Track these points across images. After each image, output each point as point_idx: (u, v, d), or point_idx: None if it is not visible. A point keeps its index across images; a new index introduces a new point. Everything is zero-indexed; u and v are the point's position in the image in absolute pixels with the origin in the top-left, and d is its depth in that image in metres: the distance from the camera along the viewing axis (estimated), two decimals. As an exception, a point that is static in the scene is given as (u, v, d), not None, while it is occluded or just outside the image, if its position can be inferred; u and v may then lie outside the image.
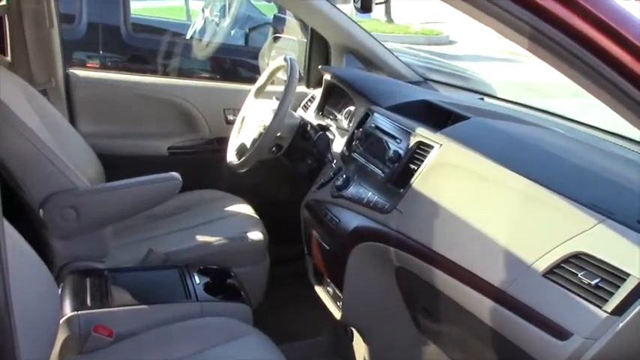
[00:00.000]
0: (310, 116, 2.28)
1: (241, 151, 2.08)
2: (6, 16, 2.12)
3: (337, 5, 2.41)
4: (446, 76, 2.97)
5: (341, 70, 2.42)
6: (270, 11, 4.26)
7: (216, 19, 4.13)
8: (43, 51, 2.20)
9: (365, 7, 1.68)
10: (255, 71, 3.06)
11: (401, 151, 1.70)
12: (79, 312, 1.51)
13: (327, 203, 1.87)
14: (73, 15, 3.64)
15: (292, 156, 2.07)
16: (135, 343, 1.46)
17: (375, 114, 1.91)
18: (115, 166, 2.19)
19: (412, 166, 1.63)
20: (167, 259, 1.87)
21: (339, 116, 2.19)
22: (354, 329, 1.86)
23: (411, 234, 1.51)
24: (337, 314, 1.84)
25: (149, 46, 3.92)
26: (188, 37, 4.11)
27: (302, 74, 2.56)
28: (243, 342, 1.49)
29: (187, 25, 4.48)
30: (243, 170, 2.05)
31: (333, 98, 2.26)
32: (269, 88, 2.25)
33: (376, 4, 1.67)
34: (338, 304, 1.84)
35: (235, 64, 3.97)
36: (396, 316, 1.72)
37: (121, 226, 1.96)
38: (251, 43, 4.03)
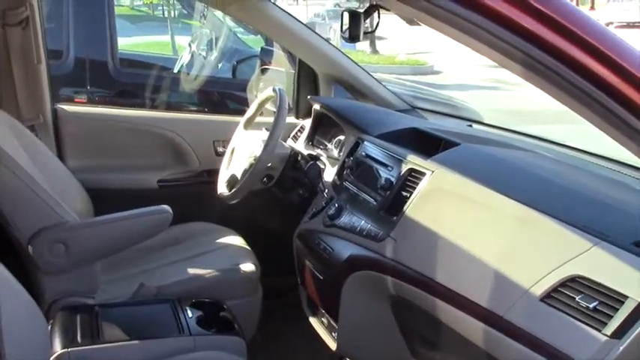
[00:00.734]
0: (300, 146, 2.29)
1: (232, 182, 2.07)
2: (-7, 52, 2.12)
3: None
4: (433, 104, 2.99)
5: (330, 99, 2.44)
6: (257, 44, 4.30)
7: (204, 53, 4.15)
8: (30, 87, 2.20)
9: (352, 36, 1.70)
10: (244, 103, 3.07)
11: (393, 179, 1.70)
12: (69, 349, 1.48)
13: (320, 233, 1.86)
14: (60, 51, 3.64)
15: (283, 186, 2.07)
16: (127, 379, 1.43)
17: (366, 142, 1.92)
18: (104, 200, 2.18)
19: (404, 194, 1.63)
20: (159, 292, 1.84)
21: (329, 146, 2.19)
22: (349, 360, 1.84)
23: (406, 261, 1.51)
24: (333, 345, 1.82)
25: (137, 81, 3.93)
26: (175, 70, 4.12)
27: (291, 105, 2.57)
28: (238, 376, 1.46)
29: (174, 59, 4.50)
30: (235, 201, 2.04)
31: (323, 128, 2.27)
32: (258, 119, 2.25)
33: (365, 33, 1.68)
34: (333, 334, 1.82)
35: (223, 96, 3.98)
36: (392, 345, 1.70)
37: (111, 261, 1.93)
38: (239, 76, 4.04)
